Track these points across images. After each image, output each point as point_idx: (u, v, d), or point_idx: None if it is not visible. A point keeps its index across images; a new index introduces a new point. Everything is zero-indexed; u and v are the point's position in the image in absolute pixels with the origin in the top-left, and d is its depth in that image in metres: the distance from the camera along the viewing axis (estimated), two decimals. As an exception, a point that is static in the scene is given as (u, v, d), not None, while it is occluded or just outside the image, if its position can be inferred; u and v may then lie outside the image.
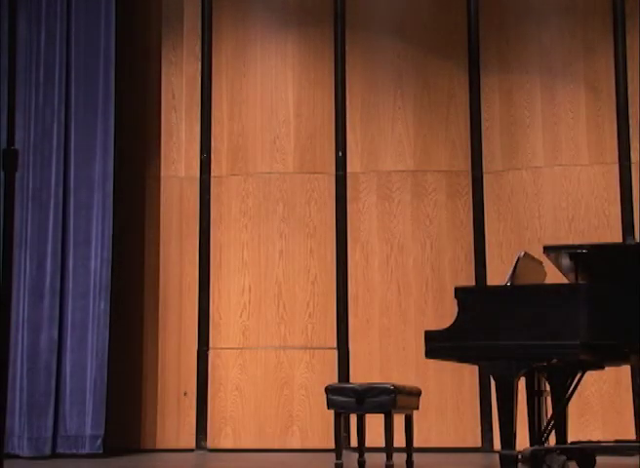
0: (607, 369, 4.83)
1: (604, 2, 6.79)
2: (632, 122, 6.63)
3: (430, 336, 4.72)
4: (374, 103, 7.02)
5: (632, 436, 6.14)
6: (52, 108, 6.46)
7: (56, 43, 6.51)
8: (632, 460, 5.66)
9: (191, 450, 6.64)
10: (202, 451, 6.62)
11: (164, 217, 7.00)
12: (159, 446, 6.68)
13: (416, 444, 5.17)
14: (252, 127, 7.07)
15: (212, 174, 7.06)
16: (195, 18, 7.20)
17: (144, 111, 7.11)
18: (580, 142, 6.72)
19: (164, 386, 6.77)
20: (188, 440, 6.67)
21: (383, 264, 6.83)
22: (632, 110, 6.63)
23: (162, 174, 7.06)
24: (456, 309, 4.26)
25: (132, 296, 6.80)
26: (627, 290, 4.07)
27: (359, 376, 6.43)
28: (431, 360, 4.93)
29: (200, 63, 7.16)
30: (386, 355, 6.66)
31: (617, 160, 6.64)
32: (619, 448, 4.98)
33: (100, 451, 6.12)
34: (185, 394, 6.74)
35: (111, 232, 6.40)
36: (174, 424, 6.74)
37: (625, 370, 6.17)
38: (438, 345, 4.63)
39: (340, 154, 6.99)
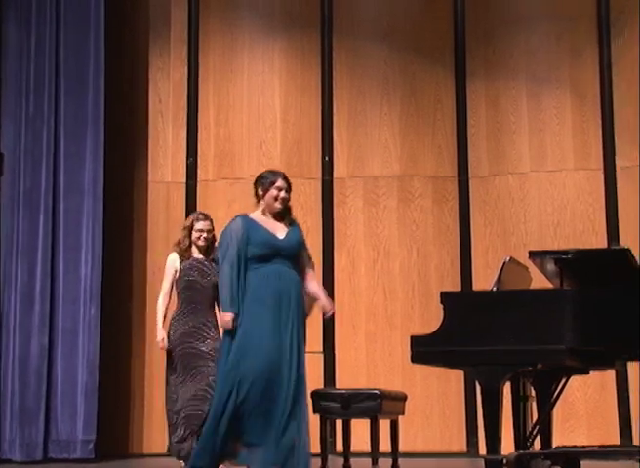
0: (592, 373, 4.84)
1: (589, 9, 6.83)
2: (617, 128, 6.67)
3: (416, 341, 4.72)
4: (360, 109, 7.04)
5: (617, 441, 6.17)
6: (42, 114, 6.46)
7: (45, 49, 6.51)
8: (617, 465, 5.69)
9: (177, 456, 6.62)
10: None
11: (151, 222, 7.00)
12: (147, 451, 6.67)
13: (401, 449, 5.18)
14: (238, 132, 7.07)
15: (198, 178, 7.06)
16: (182, 23, 7.20)
17: (132, 116, 7.11)
18: (566, 148, 6.76)
19: (152, 391, 6.75)
20: (175, 445, 6.65)
21: (370, 269, 6.85)
22: (617, 116, 6.68)
23: (149, 178, 7.05)
24: (442, 314, 4.27)
25: (120, 301, 6.79)
26: (612, 295, 4.09)
27: (345, 381, 6.43)
28: (417, 365, 4.95)
29: (187, 69, 7.16)
30: (373, 360, 6.67)
31: (602, 165, 6.68)
32: (603, 453, 4.99)
33: (92, 456, 6.13)
34: (172, 399, 6.72)
35: (101, 237, 6.40)
36: (160, 429, 6.71)
37: (610, 375, 6.20)
38: (424, 350, 4.63)
39: (327, 159, 7.00)
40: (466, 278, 6.75)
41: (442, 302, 4.58)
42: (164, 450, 6.63)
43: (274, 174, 4.38)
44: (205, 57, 7.18)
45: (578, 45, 6.83)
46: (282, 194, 4.31)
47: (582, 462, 4.64)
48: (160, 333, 5.06)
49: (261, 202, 4.34)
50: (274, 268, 4.23)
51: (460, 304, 4.16)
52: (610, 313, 4.05)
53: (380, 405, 4.80)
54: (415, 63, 7.05)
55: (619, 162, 6.64)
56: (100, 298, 6.33)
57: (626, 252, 4.24)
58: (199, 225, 5.14)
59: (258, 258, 4.22)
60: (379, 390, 4.86)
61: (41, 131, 6.45)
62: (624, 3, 6.74)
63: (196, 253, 5.13)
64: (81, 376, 6.22)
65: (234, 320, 4.14)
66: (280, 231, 4.31)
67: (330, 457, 4.94)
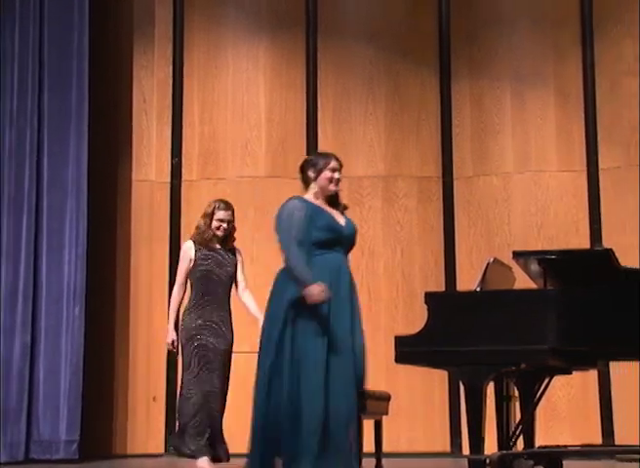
0: (574, 373, 4.87)
1: (573, 10, 6.86)
2: (600, 129, 6.70)
3: (400, 341, 4.72)
4: (345, 108, 7.04)
5: (599, 440, 6.20)
6: (25, 112, 6.42)
7: (29, 47, 6.47)
8: (598, 464, 5.72)
9: (160, 456, 6.61)
10: (171, 457, 6.59)
11: (135, 221, 6.97)
12: (130, 451, 6.65)
13: (385, 449, 5.17)
14: (223, 131, 7.06)
15: (183, 178, 7.04)
16: (167, 21, 7.18)
17: (116, 115, 7.07)
18: (549, 149, 6.79)
19: (134, 391, 6.73)
20: (158, 445, 6.65)
21: (354, 269, 6.72)
22: (600, 117, 6.71)
23: (133, 177, 7.03)
24: (426, 314, 4.28)
25: (103, 301, 6.76)
26: (595, 295, 4.11)
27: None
28: (401, 365, 4.95)
29: (171, 67, 7.14)
30: (357, 360, 6.66)
31: (585, 167, 6.70)
32: (586, 453, 5.02)
33: (76, 457, 6.09)
34: (154, 399, 6.71)
35: (85, 237, 6.37)
36: (143, 429, 6.71)
37: (592, 375, 6.23)
38: (408, 350, 4.63)
39: (312, 159, 6.99)
40: (450, 278, 6.76)
41: (426, 302, 4.58)
42: (147, 451, 6.64)
43: (326, 155, 4.15)
44: (189, 55, 7.16)
45: (561, 46, 6.85)
46: (336, 175, 4.08)
47: (565, 462, 4.66)
48: (171, 334, 4.86)
49: (312, 186, 4.07)
50: (335, 257, 3.99)
51: (445, 304, 4.17)
52: (593, 313, 4.06)
53: (363, 405, 4.79)
54: (399, 63, 7.06)
55: (601, 163, 6.67)
56: (83, 298, 6.29)
57: (609, 252, 4.26)
58: (220, 214, 4.90)
59: (320, 244, 3.94)
60: (362, 390, 4.85)
61: (24, 129, 6.41)
62: (608, 3, 6.78)
63: (212, 242, 4.90)
64: (64, 376, 6.18)
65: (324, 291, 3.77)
66: (339, 217, 4.08)
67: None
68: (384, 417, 5.14)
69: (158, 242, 6.93)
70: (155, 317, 6.81)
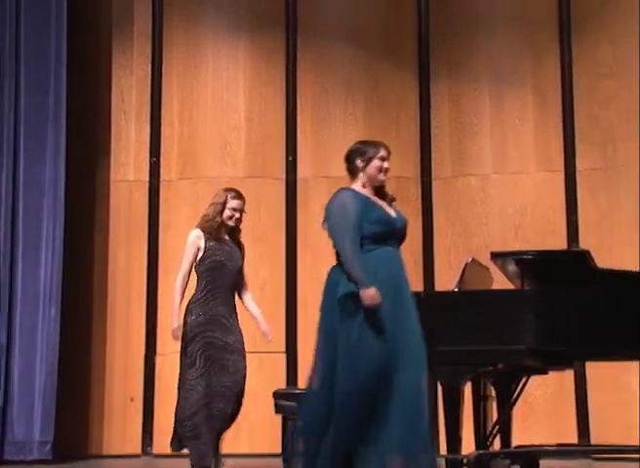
0: (551, 373, 4.90)
1: (551, 11, 6.90)
2: (578, 130, 6.74)
3: (377, 342, 4.73)
4: (325, 108, 7.04)
5: (575, 439, 6.24)
6: (2, 110, 6.37)
7: (6, 45, 6.42)
8: (574, 463, 5.76)
9: (137, 456, 6.59)
10: (148, 457, 6.57)
11: (113, 221, 6.93)
12: (106, 451, 6.61)
13: (363, 448, 5.17)
14: (202, 130, 7.04)
15: (161, 177, 7.01)
16: (146, 20, 7.15)
17: (95, 114, 7.03)
18: (527, 150, 6.82)
19: (111, 392, 6.70)
20: (134, 445, 6.61)
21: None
22: (578, 118, 6.75)
23: (111, 177, 6.99)
24: (404, 315, 4.27)
25: (80, 301, 6.72)
26: (572, 296, 4.14)
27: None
28: (379, 365, 4.95)
29: (150, 66, 7.11)
30: (335, 360, 6.67)
31: (562, 167, 6.74)
32: (562, 452, 5.05)
33: (50, 458, 6.05)
34: (132, 400, 6.68)
35: (62, 236, 6.32)
36: (120, 430, 6.67)
37: (569, 375, 6.26)
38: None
39: (291, 159, 6.99)
40: (428, 278, 6.78)
41: (404, 303, 4.59)
42: (124, 451, 6.61)
43: (375, 143, 3.93)
44: (169, 54, 7.13)
45: (539, 47, 6.89)
46: (386, 164, 3.88)
47: (541, 461, 4.69)
48: (176, 321, 4.51)
49: (361, 175, 3.86)
50: (390, 251, 3.75)
51: (423, 304, 4.18)
52: (569, 314, 4.09)
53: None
54: (379, 63, 7.07)
55: (579, 164, 6.71)
56: (59, 298, 6.24)
57: (585, 253, 4.30)
58: (234, 203, 4.62)
59: (374, 238, 3.71)
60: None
61: (1, 127, 6.36)
62: (586, 4, 6.82)
63: (220, 232, 4.63)
64: (39, 377, 6.13)
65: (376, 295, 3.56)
66: (389, 209, 3.86)
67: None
68: (362, 417, 5.14)
69: (136, 242, 6.89)
70: (133, 317, 6.78)
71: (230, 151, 6.99)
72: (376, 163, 3.86)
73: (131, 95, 7.08)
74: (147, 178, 7.00)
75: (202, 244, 4.58)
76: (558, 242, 6.55)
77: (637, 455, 5.39)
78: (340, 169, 6.95)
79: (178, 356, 4.69)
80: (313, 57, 7.09)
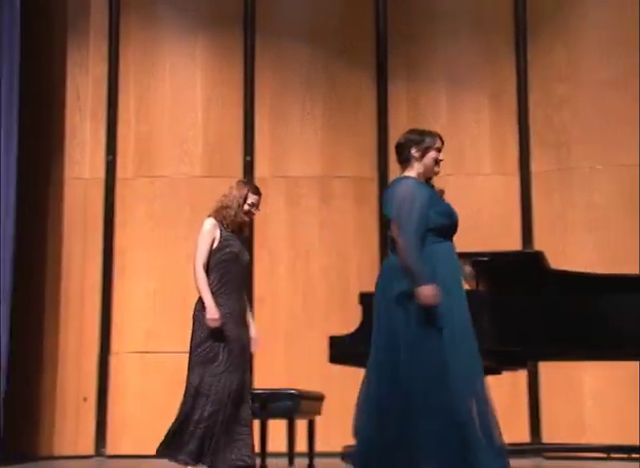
0: (504, 373, 4.95)
1: (507, 15, 6.97)
2: (533, 133, 6.82)
3: (334, 342, 4.75)
4: (282, 107, 7.03)
5: (527, 439, 6.31)
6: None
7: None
8: (526, 462, 5.83)
9: (90, 457, 6.52)
10: (101, 458, 6.50)
11: (67, 220, 6.85)
12: (57, 452, 6.53)
13: (318, 449, 5.19)
14: (159, 129, 6.99)
15: (117, 176, 6.94)
16: (102, 17, 7.07)
17: (49, 112, 6.94)
18: (483, 152, 6.88)
19: (63, 391, 6.62)
20: (87, 446, 6.55)
21: (290, 270, 6.84)
22: (533, 121, 6.83)
23: (65, 175, 6.91)
24: (360, 315, 4.30)
25: (33, 299, 6.62)
26: (526, 297, 4.18)
27: (264, 381, 6.39)
28: (336, 365, 4.97)
29: (107, 64, 7.04)
30: (291, 360, 6.67)
31: (517, 170, 6.82)
32: (513, 451, 5.10)
33: None
34: (85, 399, 6.60)
35: (13, 234, 6.20)
36: (72, 430, 6.60)
37: (521, 375, 6.33)
38: (342, 351, 4.66)
39: (249, 158, 6.97)
40: (385, 279, 6.79)
41: (361, 303, 4.62)
42: (76, 452, 6.53)
43: (432, 133, 3.70)
44: (125, 52, 7.07)
45: (496, 49, 6.96)
46: (441, 156, 3.68)
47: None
48: (215, 311, 4.21)
49: (417, 165, 3.63)
50: (451, 246, 3.60)
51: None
52: (523, 314, 4.13)
53: (297, 405, 4.79)
54: (337, 62, 7.08)
55: (533, 167, 6.79)
56: (10, 297, 6.13)
57: (539, 255, 4.35)
58: (254, 199, 4.40)
59: (439, 230, 3.55)
60: (296, 390, 4.86)
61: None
62: (541, 8, 6.90)
63: (234, 226, 4.39)
64: (-13, 375, 6.02)
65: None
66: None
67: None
68: (318, 417, 5.16)
69: (91, 240, 6.82)
70: (87, 316, 6.71)
71: (187, 150, 6.95)
72: (433, 154, 3.66)
73: (87, 93, 7.00)
74: (103, 176, 6.93)
75: (218, 234, 4.33)
76: (513, 243, 6.61)
77: (588, 454, 5.48)
78: (298, 169, 7.02)
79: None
80: (271, 55, 7.07)
